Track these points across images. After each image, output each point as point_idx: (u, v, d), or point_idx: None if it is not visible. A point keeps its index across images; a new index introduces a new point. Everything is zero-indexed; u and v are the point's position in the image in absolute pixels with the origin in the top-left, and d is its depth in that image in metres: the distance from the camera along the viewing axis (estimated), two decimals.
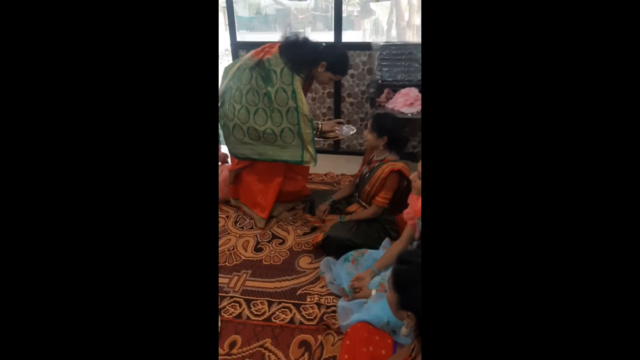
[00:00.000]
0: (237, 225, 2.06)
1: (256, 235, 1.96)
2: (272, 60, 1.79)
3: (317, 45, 1.83)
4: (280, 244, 1.90)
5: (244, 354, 1.28)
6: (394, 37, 4.10)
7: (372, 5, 3.22)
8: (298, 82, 1.78)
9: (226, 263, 1.76)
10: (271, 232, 1.99)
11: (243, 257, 1.80)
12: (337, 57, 1.83)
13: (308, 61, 1.80)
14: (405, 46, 2.64)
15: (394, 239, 1.74)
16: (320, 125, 1.99)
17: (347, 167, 2.71)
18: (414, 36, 3.82)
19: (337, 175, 2.62)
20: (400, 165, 1.72)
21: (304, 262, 1.77)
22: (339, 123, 2.05)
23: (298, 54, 1.77)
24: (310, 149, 1.86)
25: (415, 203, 1.44)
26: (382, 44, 2.64)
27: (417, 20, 3.78)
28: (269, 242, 1.91)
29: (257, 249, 1.86)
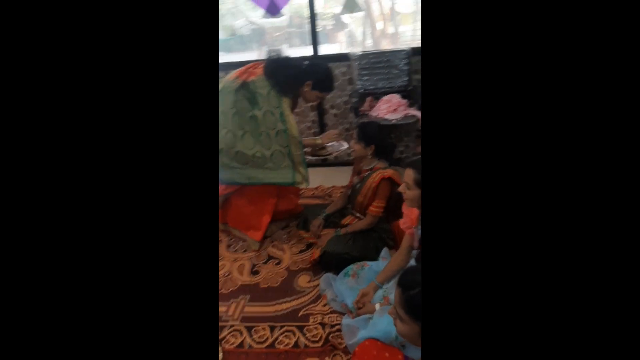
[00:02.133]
0: (231, 249, 1.99)
1: (251, 258, 1.90)
2: (257, 82, 1.76)
3: (301, 63, 1.82)
4: (276, 264, 1.84)
5: None
6: (369, 46, 4.16)
7: (345, 17, 3.26)
8: (286, 104, 1.75)
9: (222, 290, 1.69)
10: (266, 253, 1.93)
11: (240, 282, 1.74)
12: (321, 74, 1.81)
13: (294, 82, 1.78)
14: (383, 54, 2.66)
15: (391, 248, 1.70)
16: (319, 140, 1.97)
17: (337, 179, 2.68)
18: (390, 44, 3.88)
19: (327, 188, 2.58)
20: (390, 172, 1.70)
21: (303, 280, 1.71)
22: (337, 134, 2.04)
23: (283, 75, 1.74)
24: (302, 169, 1.83)
25: (410, 212, 1.42)
26: (359, 53, 2.65)
27: (391, 29, 3.85)
28: (265, 263, 1.86)
29: (254, 272, 1.80)
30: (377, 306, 1.36)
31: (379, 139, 1.72)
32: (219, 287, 1.70)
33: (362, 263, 1.60)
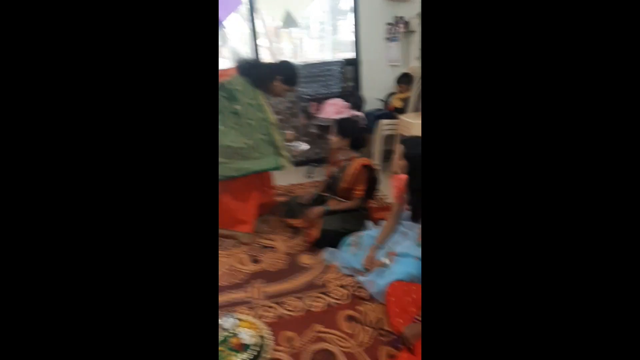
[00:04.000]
0: (221, 248, 2.06)
1: (245, 252, 2.01)
2: (232, 81, 1.92)
3: (268, 63, 2.06)
4: (273, 251, 2.00)
5: (305, 345, 1.39)
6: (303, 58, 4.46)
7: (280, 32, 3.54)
8: (261, 96, 1.97)
9: (233, 280, 1.78)
10: (258, 245, 2.07)
11: (246, 271, 1.85)
12: (289, 70, 2.08)
13: (265, 78, 2.01)
14: (321, 64, 3.04)
15: (373, 221, 2.06)
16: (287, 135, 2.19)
17: (292, 177, 2.92)
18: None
19: (287, 186, 2.81)
20: (367, 160, 2.05)
21: (305, 259, 1.92)
22: (294, 136, 2.30)
23: (256, 72, 1.96)
24: (284, 153, 2.04)
25: (397, 181, 1.79)
26: (301, 64, 2.97)
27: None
28: (262, 253, 2.00)
29: (255, 262, 1.93)
30: (386, 260, 1.68)
31: (355, 133, 2.06)
32: (227, 280, 1.79)
33: (357, 234, 1.91)
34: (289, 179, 2.90)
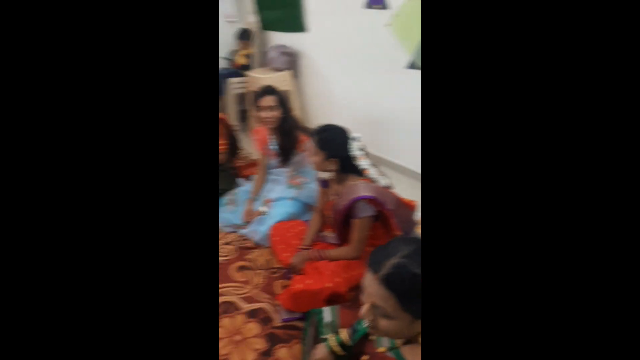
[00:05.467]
0: None
1: None
2: None
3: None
4: None
5: None
6: None
7: None
8: None
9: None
10: None
11: None
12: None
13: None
14: None
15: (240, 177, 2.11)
16: None
17: None
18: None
19: None
20: (222, 114, 2.04)
21: None
22: None
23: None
24: None
25: (258, 134, 1.86)
26: None
27: None
28: None
29: None
30: (263, 207, 1.78)
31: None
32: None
33: (231, 192, 1.94)
34: None
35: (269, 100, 1.65)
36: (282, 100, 1.69)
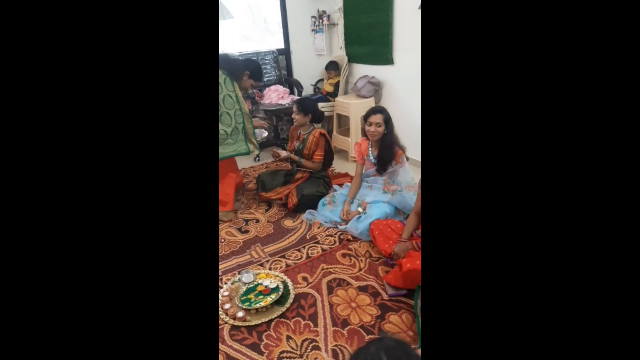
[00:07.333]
0: None
1: (230, 226, 2.20)
2: None
3: (237, 58, 2.25)
4: (256, 222, 2.24)
5: (319, 279, 1.71)
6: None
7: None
8: (237, 88, 2.17)
9: (231, 249, 1.98)
10: (241, 219, 2.27)
11: (240, 240, 2.06)
12: (256, 67, 2.31)
13: (237, 72, 2.21)
14: (257, 54, 3.26)
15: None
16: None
17: (243, 162, 3.12)
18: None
19: (246, 168, 3.00)
20: (324, 130, 2.41)
21: (288, 223, 2.20)
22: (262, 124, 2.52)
23: (232, 66, 2.15)
24: (254, 140, 2.27)
25: (357, 146, 2.20)
26: (237, 54, 3.15)
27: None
28: (246, 225, 2.21)
29: (244, 232, 2.14)
30: (360, 209, 2.08)
31: (314, 109, 2.39)
32: (225, 250, 1.97)
33: (328, 194, 2.27)
34: (241, 163, 3.09)
35: (377, 118, 1.99)
36: (387, 119, 2.02)
